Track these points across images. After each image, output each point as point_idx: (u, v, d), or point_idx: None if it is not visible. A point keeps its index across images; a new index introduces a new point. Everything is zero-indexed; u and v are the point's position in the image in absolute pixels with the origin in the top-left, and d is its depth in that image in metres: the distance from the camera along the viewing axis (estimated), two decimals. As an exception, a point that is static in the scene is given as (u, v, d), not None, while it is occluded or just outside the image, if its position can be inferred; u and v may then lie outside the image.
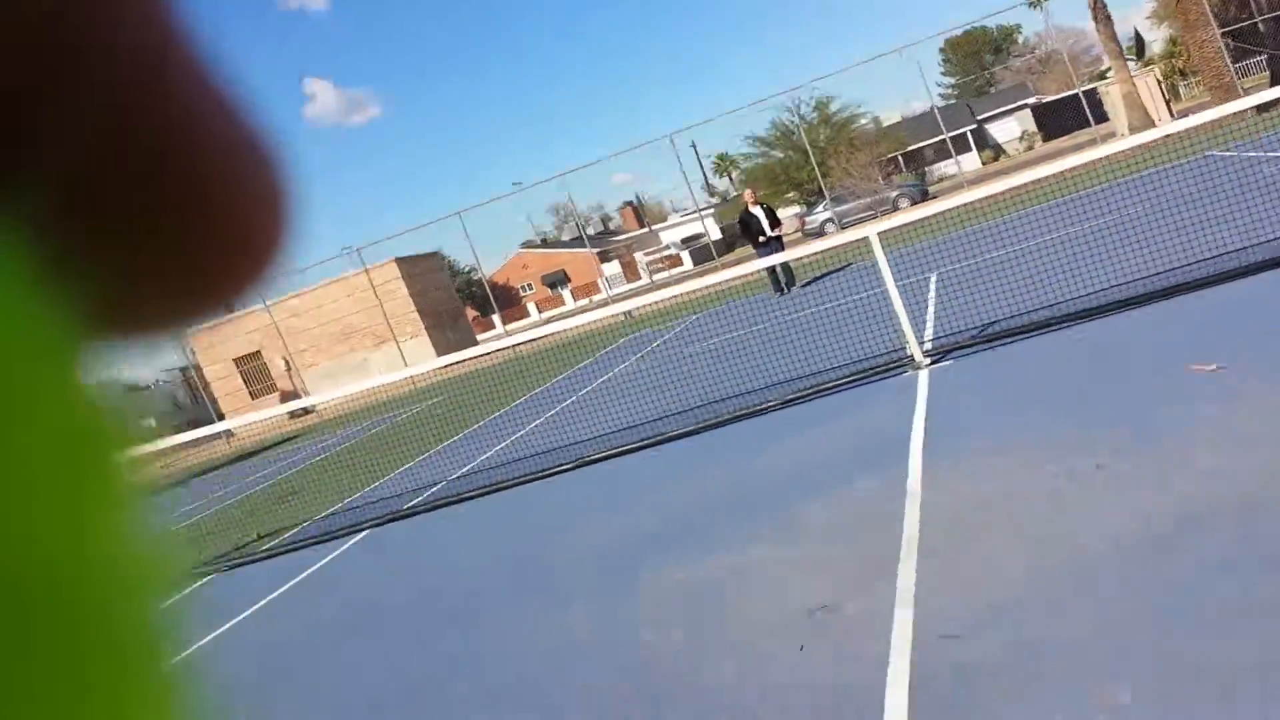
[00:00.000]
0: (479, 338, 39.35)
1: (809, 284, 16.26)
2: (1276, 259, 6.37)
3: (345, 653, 4.99)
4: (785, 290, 16.23)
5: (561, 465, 7.59)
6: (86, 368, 0.30)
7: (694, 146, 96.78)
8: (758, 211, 16.87)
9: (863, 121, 48.95)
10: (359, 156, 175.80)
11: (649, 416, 8.56)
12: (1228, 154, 13.56)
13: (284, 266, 0.37)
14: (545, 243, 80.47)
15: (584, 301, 65.02)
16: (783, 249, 16.81)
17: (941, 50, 77.68)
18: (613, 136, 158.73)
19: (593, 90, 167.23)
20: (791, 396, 7.22)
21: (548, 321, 51.84)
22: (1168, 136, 25.53)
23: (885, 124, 55.78)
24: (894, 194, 33.86)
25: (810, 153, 34.15)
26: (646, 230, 69.87)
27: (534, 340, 32.00)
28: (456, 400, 16.44)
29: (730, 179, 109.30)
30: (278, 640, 5.71)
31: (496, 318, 63.37)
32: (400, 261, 32.72)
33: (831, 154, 29.49)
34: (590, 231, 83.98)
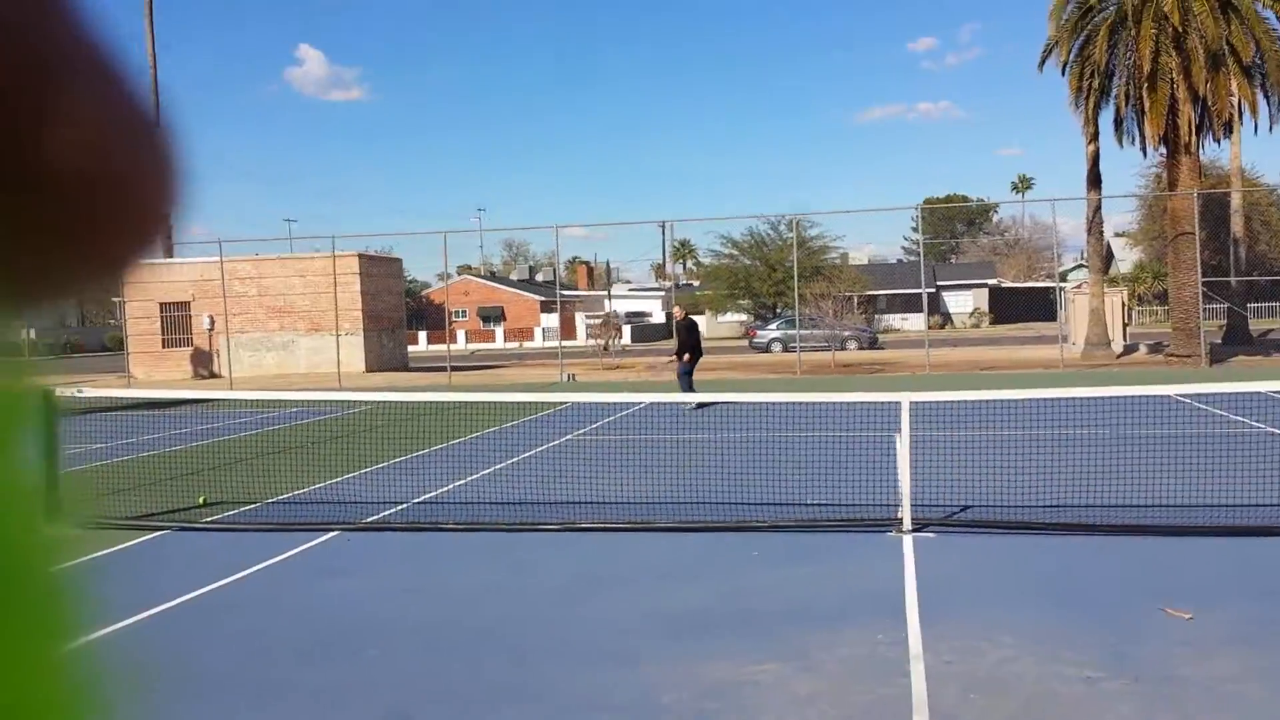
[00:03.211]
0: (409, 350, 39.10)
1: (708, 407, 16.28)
2: (1233, 527, 7.03)
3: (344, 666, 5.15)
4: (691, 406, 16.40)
5: (547, 524, 7.85)
6: None
7: (663, 227, 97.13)
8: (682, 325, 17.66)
9: (833, 255, 50.66)
10: (325, 134, 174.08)
11: (626, 497, 8.87)
12: (1182, 400, 14.57)
13: (169, 239, 0.40)
14: (494, 276, 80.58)
15: (513, 344, 65.12)
16: (686, 370, 17.20)
17: (918, 207, 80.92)
18: (580, 191, 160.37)
19: (590, 140, 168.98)
20: (781, 522, 7.63)
21: (474, 355, 51.67)
22: (1119, 359, 26.88)
23: (852, 262, 57.76)
24: (846, 334, 35.04)
25: (775, 269, 35.02)
26: (595, 293, 70.39)
27: (472, 369, 32.14)
28: (388, 415, 16.43)
29: (684, 266, 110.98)
30: (260, 626, 5.83)
31: (423, 334, 63.24)
32: (363, 258, 32.86)
33: (796, 276, 30.57)
34: (539, 278, 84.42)
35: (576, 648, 5.19)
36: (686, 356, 17.14)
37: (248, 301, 32.79)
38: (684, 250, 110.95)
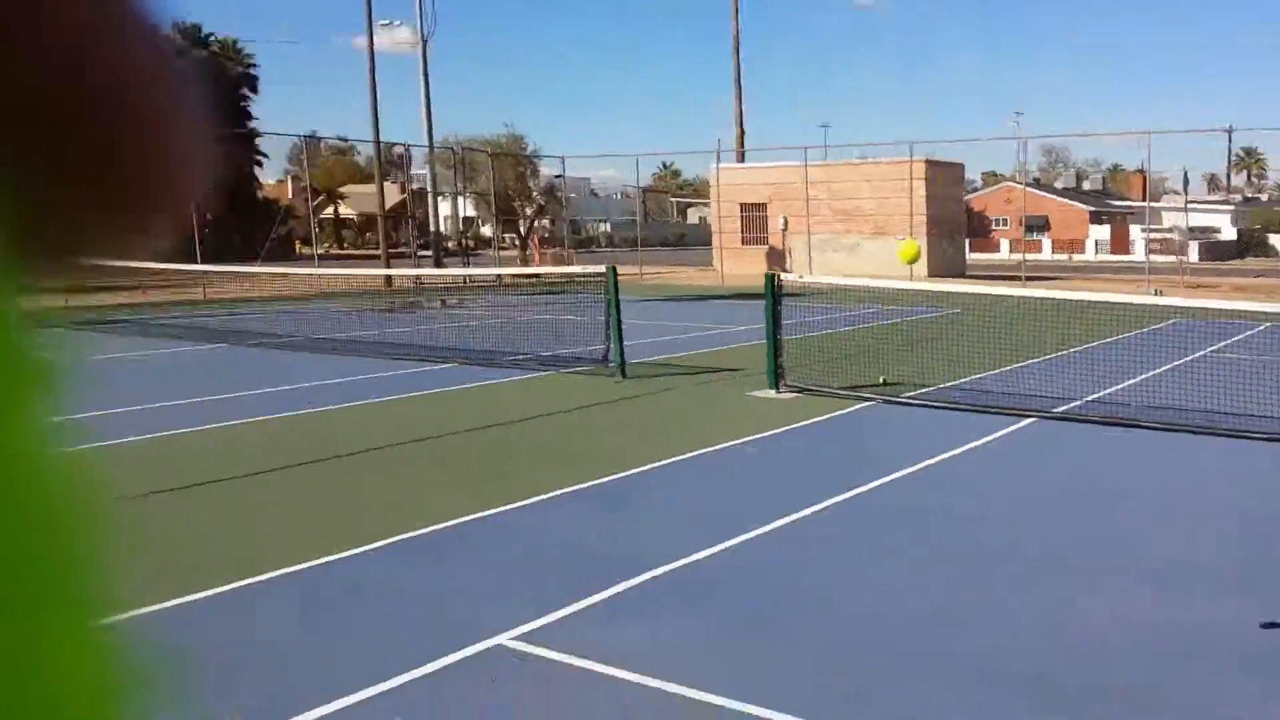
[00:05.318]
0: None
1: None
2: None
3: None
4: None
5: (1254, 433, 8.04)
6: (13, 296, 0.34)
7: (1229, 132, 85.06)
8: None
9: None
10: (852, 44, 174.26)
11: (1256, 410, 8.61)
12: None
13: (201, 196, 0.41)
14: (1037, 184, 76.90)
15: (1061, 256, 61.95)
16: None
17: None
18: (1121, 93, 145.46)
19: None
20: None
21: (1024, 265, 50.03)
22: None
23: None
24: None
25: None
26: (1159, 204, 64.59)
27: (1038, 279, 31.35)
28: (980, 314, 16.32)
29: (1249, 177, 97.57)
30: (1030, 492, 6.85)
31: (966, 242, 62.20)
32: (930, 163, 33.39)
33: None
34: (1086, 186, 79.09)
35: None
36: None
37: (817, 204, 34.79)
38: (1249, 160, 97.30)
